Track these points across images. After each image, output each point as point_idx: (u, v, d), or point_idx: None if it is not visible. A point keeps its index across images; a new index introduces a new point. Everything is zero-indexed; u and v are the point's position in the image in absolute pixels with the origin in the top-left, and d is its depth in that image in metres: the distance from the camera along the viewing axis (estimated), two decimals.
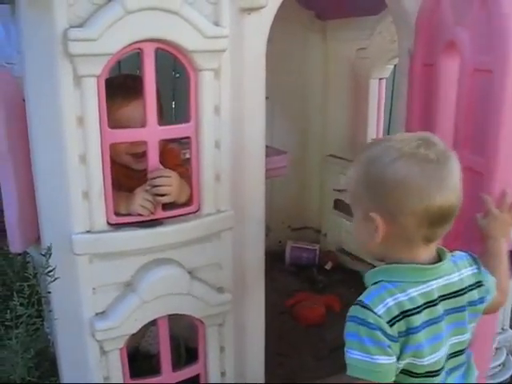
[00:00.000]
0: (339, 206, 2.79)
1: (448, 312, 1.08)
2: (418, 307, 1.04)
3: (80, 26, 1.21)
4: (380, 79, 2.68)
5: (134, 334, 1.44)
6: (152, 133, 1.34)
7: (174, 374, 1.54)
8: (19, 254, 1.87)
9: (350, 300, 1.12)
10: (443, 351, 1.07)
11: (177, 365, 1.56)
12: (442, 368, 1.08)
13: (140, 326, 1.43)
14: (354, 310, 1.05)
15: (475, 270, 1.15)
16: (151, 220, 1.39)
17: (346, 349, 1.05)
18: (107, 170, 1.33)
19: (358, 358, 1.02)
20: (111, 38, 1.23)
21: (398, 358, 1.03)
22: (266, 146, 1.55)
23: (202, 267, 1.49)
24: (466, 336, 1.12)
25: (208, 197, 1.44)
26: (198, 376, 1.59)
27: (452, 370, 1.12)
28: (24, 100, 1.31)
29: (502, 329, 2.12)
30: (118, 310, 1.40)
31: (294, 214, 2.97)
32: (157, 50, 1.30)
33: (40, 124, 1.29)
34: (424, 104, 1.72)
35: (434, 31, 1.64)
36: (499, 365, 2.05)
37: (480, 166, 1.44)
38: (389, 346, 1.01)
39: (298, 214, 2.98)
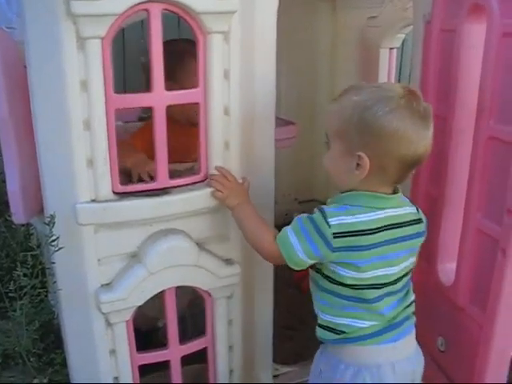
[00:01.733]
0: None
1: (394, 240, 1.22)
2: (370, 230, 1.18)
3: None
4: (391, 49, 2.60)
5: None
6: (159, 98, 1.28)
7: (181, 347, 1.51)
8: (22, 225, 1.85)
9: None
10: (379, 272, 1.22)
11: (183, 338, 1.53)
12: (377, 286, 1.23)
13: (147, 298, 1.40)
14: (314, 211, 1.21)
15: (413, 210, 1.29)
16: (157, 189, 1.34)
17: (287, 228, 1.23)
18: (112, 136, 1.28)
19: (290, 238, 1.21)
20: None
21: (333, 263, 1.20)
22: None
23: (210, 238, 1.45)
24: (406, 264, 1.27)
25: (216, 165, 1.39)
26: (205, 349, 1.56)
27: (398, 290, 1.28)
28: (25, 66, 1.25)
29: None
30: (124, 282, 1.36)
31: (301, 187, 2.93)
32: (163, 12, 1.25)
33: (42, 89, 1.23)
34: (441, 73, 1.66)
35: None
36: None
37: (508, 136, 1.38)
38: (319, 253, 1.18)
39: (305, 187, 2.94)
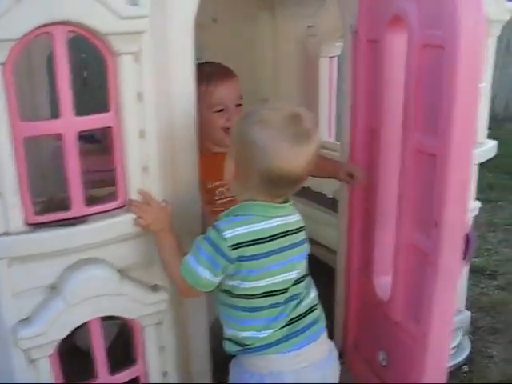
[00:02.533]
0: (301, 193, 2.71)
1: (285, 248, 1.27)
2: (264, 238, 1.23)
3: None
4: (331, 57, 2.59)
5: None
6: (68, 124, 1.23)
7: (112, 377, 1.46)
8: None
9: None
10: (273, 280, 1.26)
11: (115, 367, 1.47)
12: (274, 293, 1.26)
13: (69, 331, 1.34)
14: (208, 231, 1.24)
15: (299, 218, 1.34)
16: (73, 218, 1.29)
17: (187, 255, 1.25)
18: (22, 165, 1.22)
19: (191, 264, 1.23)
20: (13, 22, 1.11)
21: (230, 277, 1.24)
22: None
23: (133, 265, 1.40)
24: (299, 270, 1.31)
25: (135, 190, 1.34)
26: (137, 378, 1.51)
27: (292, 296, 1.30)
28: None
29: (458, 310, 2.08)
30: (42, 316, 1.30)
31: None
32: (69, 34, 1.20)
33: None
34: (370, 83, 1.65)
35: (378, 4, 1.55)
36: (454, 347, 2.01)
37: (433, 148, 1.36)
38: (220, 267, 1.21)
39: None
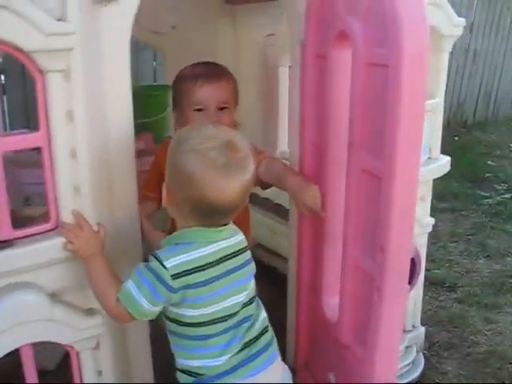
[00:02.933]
0: (253, 200, 2.67)
1: (231, 271, 1.23)
2: (207, 264, 1.19)
3: None
4: (290, 67, 2.55)
5: None
6: None
7: None
8: None
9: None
10: (221, 305, 1.22)
11: None
12: (222, 319, 1.22)
13: None
14: (149, 258, 1.20)
15: (243, 237, 1.31)
16: (0, 242, 1.23)
17: (126, 280, 1.20)
18: None
19: (132, 291, 1.18)
20: None
21: (175, 305, 1.20)
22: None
23: (66, 288, 1.35)
24: (247, 291, 1.27)
25: (67, 212, 1.29)
26: None
27: (243, 319, 1.26)
28: None
29: (413, 326, 2.07)
30: None
31: None
32: None
33: None
34: (317, 98, 1.61)
35: (326, 18, 1.52)
36: (408, 364, 1.99)
37: (378, 170, 1.33)
38: (161, 297, 1.17)
39: None
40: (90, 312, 1.38)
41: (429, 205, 1.96)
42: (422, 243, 1.98)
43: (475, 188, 4.00)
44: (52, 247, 1.27)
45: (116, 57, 1.30)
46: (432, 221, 1.95)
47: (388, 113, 1.26)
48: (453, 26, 1.71)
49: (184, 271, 1.17)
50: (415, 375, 1.99)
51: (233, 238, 1.27)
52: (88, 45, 1.24)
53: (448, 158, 1.90)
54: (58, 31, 1.16)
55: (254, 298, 1.31)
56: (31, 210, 1.39)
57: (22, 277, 1.28)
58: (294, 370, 1.80)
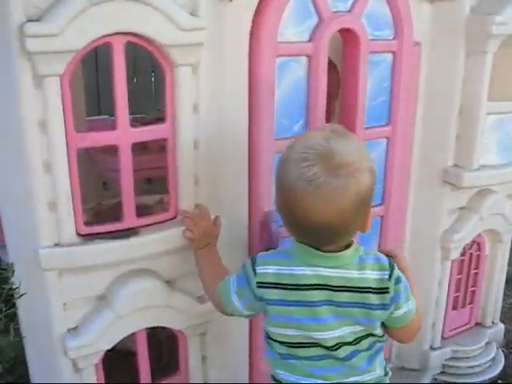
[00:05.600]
0: None
1: (331, 302, 1.09)
2: (289, 285, 1.09)
3: (38, 19, 1.07)
4: None
5: None
6: (123, 135, 1.21)
7: None
8: None
9: None
10: (295, 332, 1.11)
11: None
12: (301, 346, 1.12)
13: (116, 342, 1.34)
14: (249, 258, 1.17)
15: (385, 276, 1.10)
16: (125, 229, 1.27)
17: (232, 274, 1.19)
18: (75, 177, 1.21)
19: (230, 285, 1.17)
20: (74, 33, 1.09)
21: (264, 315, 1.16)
22: None
23: (181, 276, 1.39)
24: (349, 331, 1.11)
25: (187, 202, 1.32)
26: None
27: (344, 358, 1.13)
28: None
29: (493, 322, 2.07)
30: (91, 326, 1.30)
31: None
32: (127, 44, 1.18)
33: None
34: None
35: None
36: (490, 360, 1.99)
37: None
38: (248, 300, 1.14)
39: None
40: (201, 299, 1.41)
41: None
42: (507, 240, 1.98)
43: None
44: (173, 236, 1.31)
45: (237, 52, 1.32)
46: None
47: None
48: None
49: (268, 283, 1.11)
50: (496, 372, 1.99)
51: (345, 270, 1.09)
52: (214, 39, 1.26)
53: None
54: (193, 26, 1.19)
55: (359, 340, 1.13)
56: (148, 198, 1.43)
57: (142, 264, 1.33)
58: None
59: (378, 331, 1.14)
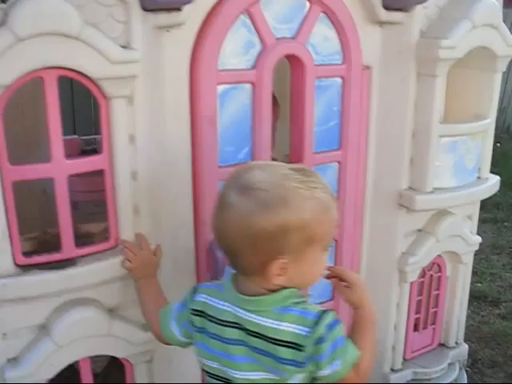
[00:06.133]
0: None
1: (246, 344, 1.06)
2: (214, 318, 1.10)
3: None
4: None
5: None
6: (59, 168, 1.22)
7: None
8: None
9: None
10: (214, 364, 1.11)
11: None
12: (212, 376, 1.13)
13: (57, 371, 1.34)
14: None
15: (303, 333, 1.02)
16: (64, 259, 1.28)
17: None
18: (11, 207, 1.21)
19: (168, 311, 1.21)
20: (3, 68, 1.10)
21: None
22: None
23: (124, 304, 1.39)
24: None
25: (126, 231, 1.33)
26: None
27: None
28: None
29: (456, 343, 2.06)
30: (31, 356, 1.29)
31: None
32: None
33: None
34: None
35: None
36: (452, 381, 1.99)
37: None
38: (186, 324, 1.16)
39: None
40: (144, 327, 1.41)
41: (476, 223, 1.96)
42: (467, 261, 1.98)
43: None
44: (112, 266, 1.31)
45: (176, 82, 1.33)
46: (479, 239, 1.94)
47: None
48: (507, 46, 1.69)
49: (198, 310, 1.14)
50: None
51: (265, 319, 1.04)
52: (150, 70, 1.27)
53: (497, 178, 1.89)
54: (125, 59, 1.20)
55: None
56: (90, 226, 1.43)
57: (83, 293, 1.33)
58: None
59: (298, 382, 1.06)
